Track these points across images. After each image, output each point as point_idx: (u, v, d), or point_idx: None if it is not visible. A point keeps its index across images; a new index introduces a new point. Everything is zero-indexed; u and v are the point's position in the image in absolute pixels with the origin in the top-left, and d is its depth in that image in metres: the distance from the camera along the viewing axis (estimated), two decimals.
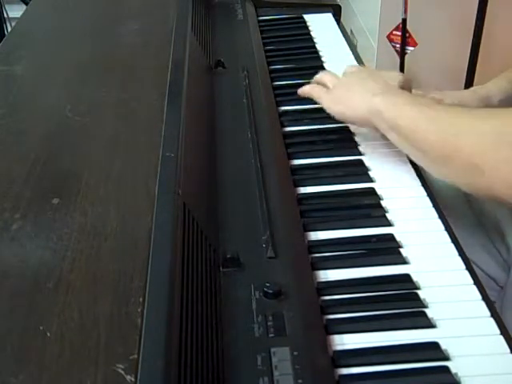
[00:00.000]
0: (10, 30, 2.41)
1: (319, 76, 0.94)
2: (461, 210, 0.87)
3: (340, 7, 1.36)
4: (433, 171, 0.76)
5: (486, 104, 0.86)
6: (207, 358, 0.53)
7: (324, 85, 0.91)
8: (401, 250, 0.71)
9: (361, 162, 0.85)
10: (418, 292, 0.65)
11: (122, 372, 0.45)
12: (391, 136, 0.78)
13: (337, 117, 0.87)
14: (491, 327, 0.62)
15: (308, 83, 1.06)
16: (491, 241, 0.91)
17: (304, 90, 0.93)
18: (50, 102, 0.85)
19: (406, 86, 0.84)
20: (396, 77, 0.85)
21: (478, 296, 0.65)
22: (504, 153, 0.63)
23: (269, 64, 1.11)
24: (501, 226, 0.90)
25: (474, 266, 0.72)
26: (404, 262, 0.69)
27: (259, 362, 0.54)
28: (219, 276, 0.64)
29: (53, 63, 0.96)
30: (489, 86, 0.90)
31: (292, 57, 1.15)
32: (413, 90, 0.88)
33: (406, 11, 1.89)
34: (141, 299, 0.51)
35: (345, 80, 0.89)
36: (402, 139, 0.76)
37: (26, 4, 2.07)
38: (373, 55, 2.13)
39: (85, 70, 0.93)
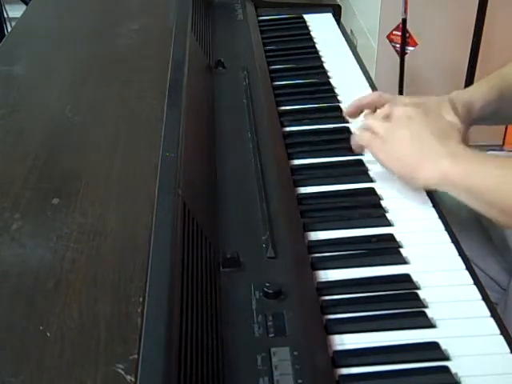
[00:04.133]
0: (10, 29, 2.40)
1: (367, 123, 0.86)
2: (463, 213, 0.87)
3: (340, 7, 1.36)
4: None
5: (468, 109, 0.86)
6: (207, 358, 0.53)
7: (373, 131, 0.83)
8: (401, 249, 0.71)
9: (361, 162, 0.85)
10: (418, 292, 0.65)
11: (122, 372, 0.45)
12: (464, 197, 0.74)
13: (390, 172, 0.81)
14: (491, 327, 0.62)
15: (308, 83, 1.06)
16: (493, 243, 0.91)
17: (356, 142, 0.86)
18: (50, 101, 0.85)
19: (464, 135, 0.81)
20: (455, 125, 0.80)
21: (478, 296, 0.65)
22: None
23: (269, 64, 1.11)
24: (503, 229, 0.90)
25: (477, 268, 0.72)
26: (404, 262, 0.69)
27: (259, 362, 0.54)
28: (219, 276, 0.64)
29: (53, 63, 0.96)
30: (471, 91, 0.89)
31: (292, 57, 1.15)
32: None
33: (406, 11, 1.89)
34: (141, 299, 0.51)
35: (396, 128, 0.81)
36: (478, 201, 0.73)
37: (26, 4, 2.07)
38: (373, 55, 2.13)
39: (85, 69, 0.93)
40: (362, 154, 0.87)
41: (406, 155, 0.78)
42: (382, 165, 0.81)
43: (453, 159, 0.74)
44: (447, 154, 0.75)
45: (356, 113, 0.91)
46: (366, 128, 0.85)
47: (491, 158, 0.76)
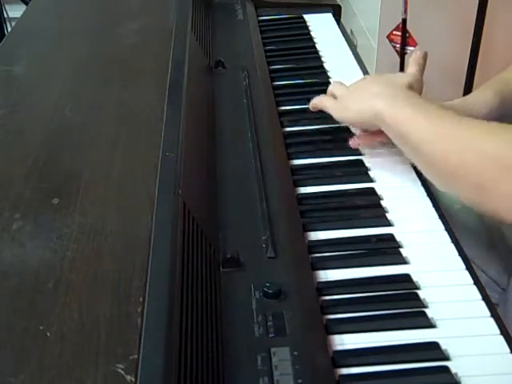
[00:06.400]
0: (10, 29, 2.40)
1: (330, 88, 0.93)
2: (462, 212, 0.87)
3: (340, 7, 1.36)
4: (437, 184, 0.75)
5: (471, 116, 0.85)
6: (207, 358, 0.53)
7: (333, 96, 0.90)
8: (401, 249, 0.71)
9: (361, 162, 0.85)
10: (418, 292, 0.65)
11: (122, 372, 0.45)
12: (397, 142, 0.78)
13: (345, 123, 0.88)
14: (491, 327, 0.62)
15: (308, 83, 1.06)
16: (493, 243, 0.91)
17: (314, 103, 0.92)
18: (50, 101, 0.85)
19: (416, 87, 0.83)
20: (403, 78, 0.84)
21: (478, 296, 0.65)
22: (504, 175, 0.63)
23: (269, 64, 1.11)
24: (502, 228, 0.90)
25: (477, 268, 0.72)
26: (404, 262, 0.69)
27: (259, 362, 0.54)
28: (219, 276, 0.64)
29: (53, 63, 0.96)
30: (474, 99, 0.88)
31: (292, 57, 1.15)
32: None
33: (406, 11, 1.89)
34: (141, 299, 0.51)
35: (352, 87, 0.88)
36: (407, 148, 0.75)
37: (26, 4, 2.07)
38: (373, 55, 2.13)
39: (85, 69, 0.93)
40: (361, 154, 0.87)
41: (350, 101, 0.84)
42: (337, 119, 0.87)
43: (387, 98, 0.77)
44: (383, 93, 0.78)
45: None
46: (328, 94, 0.92)
47: (432, 106, 0.74)
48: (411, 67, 0.87)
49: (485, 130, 0.69)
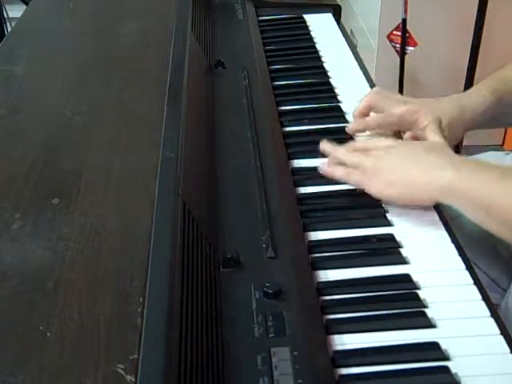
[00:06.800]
0: (9, 29, 2.40)
1: (340, 156, 0.81)
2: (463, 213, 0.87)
3: (340, 7, 1.36)
4: None
5: (468, 113, 0.85)
6: (207, 358, 0.53)
7: (342, 163, 0.80)
8: (401, 249, 0.71)
9: None
10: (418, 292, 0.65)
11: (122, 372, 0.45)
12: (473, 215, 0.72)
13: (390, 200, 0.77)
14: (491, 327, 0.62)
15: (308, 83, 1.06)
16: (493, 243, 0.91)
17: (332, 173, 0.80)
18: (50, 102, 0.85)
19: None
20: (441, 143, 0.78)
21: (478, 296, 0.65)
22: None
23: (269, 64, 1.11)
24: None
25: (477, 269, 0.71)
26: (404, 262, 0.69)
27: (259, 362, 0.54)
28: (219, 276, 0.64)
29: (53, 63, 0.96)
30: (471, 97, 0.87)
31: (292, 57, 1.15)
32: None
33: (406, 11, 1.89)
34: (141, 299, 0.51)
35: (381, 157, 0.78)
36: (491, 217, 0.70)
37: (26, 4, 2.07)
38: (373, 55, 2.13)
39: (85, 69, 0.93)
40: None
41: (400, 175, 0.75)
42: (378, 195, 0.77)
43: (456, 169, 0.71)
44: (449, 164, 0.72)
45: (362, 123, 0.89)
46: (335, 158, 0.81)
47: (493, 168, 0.72)
48: (429, 134, 0.81)
49: None
